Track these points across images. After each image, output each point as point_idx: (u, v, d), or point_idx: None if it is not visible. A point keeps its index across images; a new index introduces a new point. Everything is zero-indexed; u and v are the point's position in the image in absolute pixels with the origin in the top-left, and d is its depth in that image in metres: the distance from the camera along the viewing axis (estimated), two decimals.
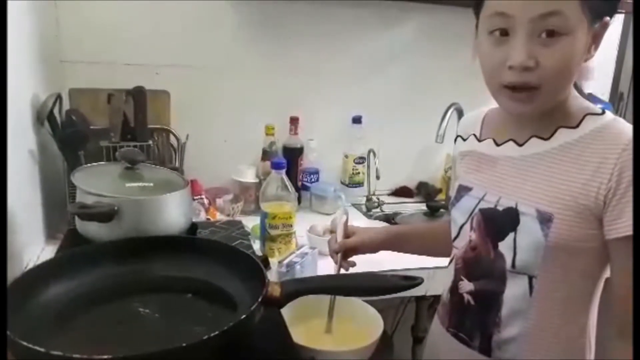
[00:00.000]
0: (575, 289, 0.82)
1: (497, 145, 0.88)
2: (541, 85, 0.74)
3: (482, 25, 0.77)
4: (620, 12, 1.90)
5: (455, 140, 0.99)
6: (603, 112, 0.80)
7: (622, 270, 0.76)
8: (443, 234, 1.01)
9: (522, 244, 0.81)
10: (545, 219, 0.78)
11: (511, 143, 0.85)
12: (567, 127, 0.80)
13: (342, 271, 1.01)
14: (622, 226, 0.73)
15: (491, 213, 0.85)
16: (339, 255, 1.01)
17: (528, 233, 0.80)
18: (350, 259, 1.04)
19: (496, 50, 0.75)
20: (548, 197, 0.78)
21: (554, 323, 0.83)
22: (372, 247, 1.05)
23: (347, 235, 1.04)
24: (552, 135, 0.81)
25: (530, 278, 0.81)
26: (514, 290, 0.83)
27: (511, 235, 0.82)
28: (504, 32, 0.73)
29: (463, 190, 0.92)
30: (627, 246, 0.73)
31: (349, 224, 1.06)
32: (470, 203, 0.89)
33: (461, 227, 0.91)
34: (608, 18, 0.74)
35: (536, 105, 0.77)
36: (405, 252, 1.11)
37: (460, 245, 0.91)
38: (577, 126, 0.79)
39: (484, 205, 0.87)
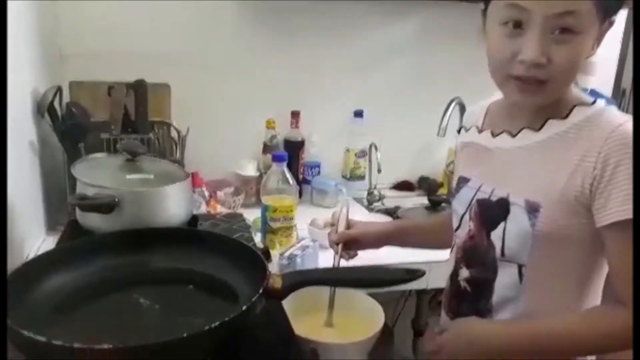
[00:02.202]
0: (567, 279, 0.82)
1: (494, 136, 0.88)
2: (549, 80, 0.75)
3: (493, 13, 0.77)
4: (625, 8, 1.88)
5: (459, 131, 1.00)
6: (594, 102, 0.80)
7: (614, 256, 0.76)
8: (444, 228, 1.03)
9: (511, 233, 0.82)
10: (532, 209, 0.79)
11: (505, 134, 0.86)
12: (556, 119, 0.80)
13: (342, 262, 1.01)
14: (609, 213, 0.73)
15: (486, 203, 0.87)
16: (339, 246, 1.02)
17: (516, 222, 0.81)
18: (351, 251, 1.04)
19: (508, 42, 0.74)
20: (536, 188, 0.79)
21: (544, 312, 0.83)
22: (372, 240, 1.06)
23: (348, 227, 1.04)
24: (542, 126, 0.81)
25: (520, 267, 0.82)
26: (504, 278, 0.85)
27: (502, 224, 0.83)
28: (518, 25, 0.73)
29: (462, 181, 0.93)
30: (616, 233, 0.73)
31: (349, 217, 1.06)
32: (468, 194, 0.90)
33: (462, 217, 0.92)
34: (614, 17, 0.75)
35: (542, 98, 0.78)
36: (407, 246, 1.12)
37: (461, 235, 0.93)
38: (566, 117, 0.79)
39: (480, 195, 0.88)
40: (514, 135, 0.85)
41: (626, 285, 0.72)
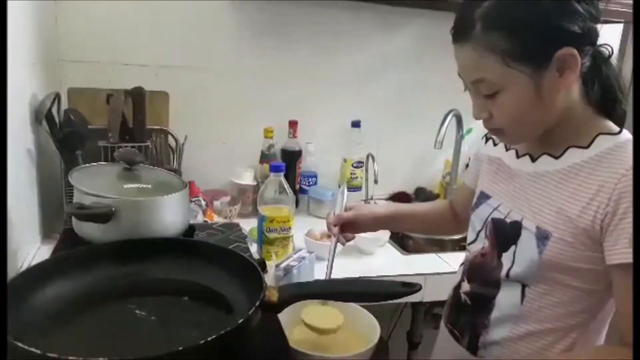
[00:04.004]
0: (569, 307, 0.81)
1: (517, 157, 0.89)
2: (503, 128, 0.80)
3: None
4: (618, 21, 1.90)
5: (487, 140, 1.00)
6: (620, 132, 0.78)
7: (619, 296, 0.75)
8: (436, 217, 1.12)
9: (520, 257, 0.82)
10: (542, 237, 0.79)
11: (527, 157, 0.87)
12: (578, 147, 0.79)
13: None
14: (616, 253, 0.72)
15: (500, 223, 0.87)
16: (337, 228, 1.04)
17: (525, 248, 0.81)
18: (348, 234, 1.08)
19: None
20: (549, 216, 0.79)
21: (541, 336, 0.83)
22: (368, 223, 1.08)
23: (345, 210, 1.08)
24: (562, 154, 0.81)
25: (524, 287, 0.83)
26: (506, 296, 0.85)
27: (512, 247, 0.83)
28: (467, 88, 0.82)
29: (483, 197, 0.94)
30: (622, 274, 0.72)
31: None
32: (486, 211, 0.91)
33: (478, 233, 0.92)
34: (568, 49, 0.72)
35: (514, 139, 0.85)
36: (401, 231, 1.18)
37: (473, 250, 0.93)
38: (588, 146, 0.78)
39: (496, 214, 0.89)
40: (534, 160, 0.85)
41: (629, 327, 0.70)
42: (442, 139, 1.68)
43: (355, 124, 1.82)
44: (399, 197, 1.99)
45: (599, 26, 0.76)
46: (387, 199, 1.98)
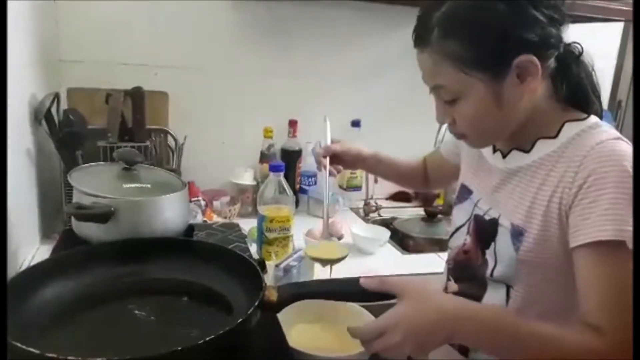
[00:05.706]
0: (554, 303, 0.80)
1: (494, 152, 0.88)
2: (465, 133, 0.81)
3: None
4: (617, 20, 1.89)
5: None
6: (587, 117, 0.78)
7: (583, 277, 0.70)
8: (412, 171, 1.20)
9: (500, 255, 0.82)
10: (517, 233, 0.78)
11: (498, 154, 0.86)
12: (547, 138, 0.78)
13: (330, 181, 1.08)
14: (585, 233, 0.69)
15: (481, 220, 0.87)
16: (327, 159, 1.07)
17: (503, 245, 0.81)
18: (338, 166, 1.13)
19: None
20: (522, 212, 0.78)
21: None
22: (354, 155, 1.14)
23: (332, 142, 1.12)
24: (532, 147, 0.80)
25: (508, 288, 0.82)
26: (492, 297, 0.84)
27: (492, 245, 0.83)
28: (431, 93, 0.82)
29: (466, 192, 0.93)
30: (587, 253, 0.69)
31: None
32: (469, 206, 0.91)
33: (458, 229, 0.92)
34: (527, 56, 0.71)
35: (478, 144, 0.86)
36: (377, 174, 1.26)
37: (454, 246, 0.93)
38: (556, 136, 0.78)
39: (477, 211, 0.89)
40: (504, 156, 0.84)
41: (603, 312, 0.67)
42: (442, 138, 1.68)
43: (355, 124, 1.82)
44: (399, 196, 1.99)
45: (565, 27, 0.74)
46: (387, 198, 1.98)
